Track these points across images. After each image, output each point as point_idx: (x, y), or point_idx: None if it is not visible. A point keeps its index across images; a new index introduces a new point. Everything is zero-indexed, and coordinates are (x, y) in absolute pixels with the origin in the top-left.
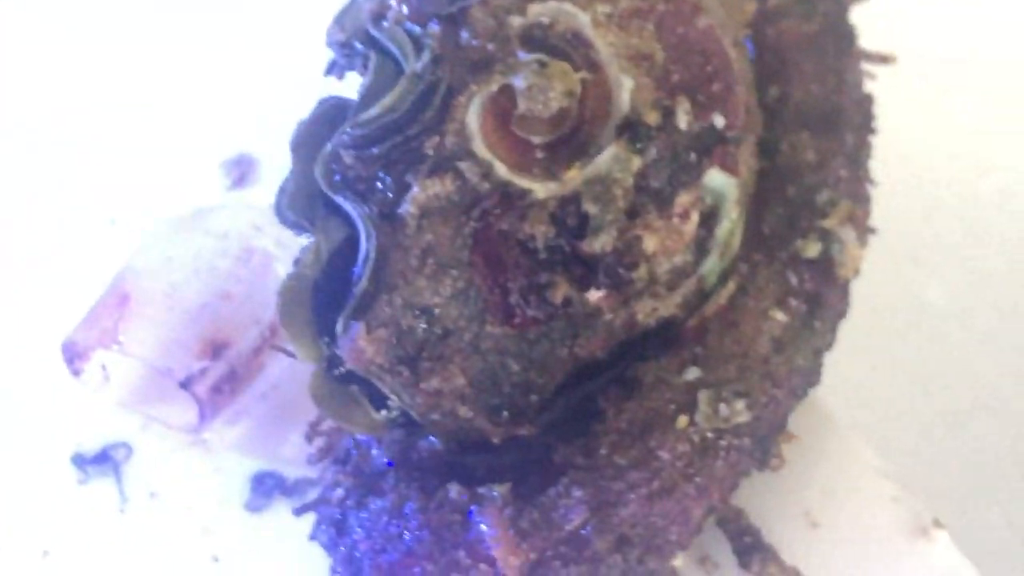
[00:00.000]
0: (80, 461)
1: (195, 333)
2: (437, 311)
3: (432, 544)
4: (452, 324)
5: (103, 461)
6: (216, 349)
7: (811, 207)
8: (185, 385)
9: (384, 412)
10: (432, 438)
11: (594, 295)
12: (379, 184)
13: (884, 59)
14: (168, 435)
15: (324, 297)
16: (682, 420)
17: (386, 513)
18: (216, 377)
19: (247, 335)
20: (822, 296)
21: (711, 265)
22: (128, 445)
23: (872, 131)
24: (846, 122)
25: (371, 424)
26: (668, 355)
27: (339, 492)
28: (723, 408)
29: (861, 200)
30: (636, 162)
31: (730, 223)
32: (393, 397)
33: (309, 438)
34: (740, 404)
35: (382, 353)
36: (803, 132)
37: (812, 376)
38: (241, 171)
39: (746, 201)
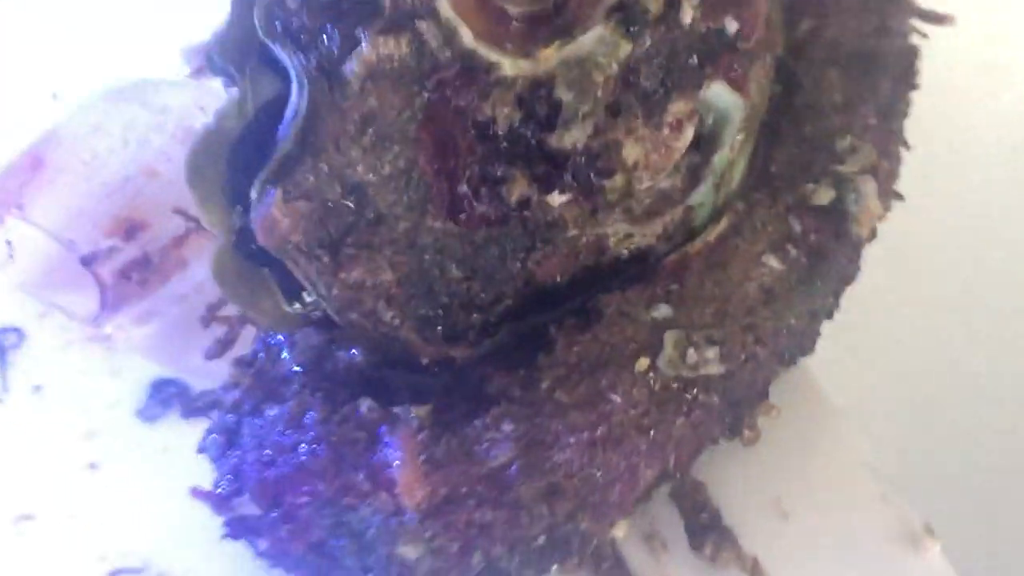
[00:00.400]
0: None
1: (109, 208)
2: (370, 191)
3: (328, 461)
4: (386, 209)
5: None
6: (130, 229)
7: (829, 151)
8: (87, 262)
9: (297, 305)
10: (353, 351)
11: (556, 199)
12: (324, 37)
13: (940, 19)
14: (69, 328)
15: (244, 161)
16: (642, 361)
17: (282, 422)
18: (125, 261)
19: (169, 221)
20: (828, 251)
21: (703, 196)
22: (20, 331)
23: (912, 86)
24: (882, 68)
25: (279, 316)
26: (637, 287)
27: (235, 395)
28: (691, 353)
29: (889, 157)
30: (625, 48)
31: (730, 151)
32: (308, 287)
33: (205, 322)
34: (711, 352)
35: (299, 229)
36: (831, 69)
37: (805, 341)
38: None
39: (753, 130)
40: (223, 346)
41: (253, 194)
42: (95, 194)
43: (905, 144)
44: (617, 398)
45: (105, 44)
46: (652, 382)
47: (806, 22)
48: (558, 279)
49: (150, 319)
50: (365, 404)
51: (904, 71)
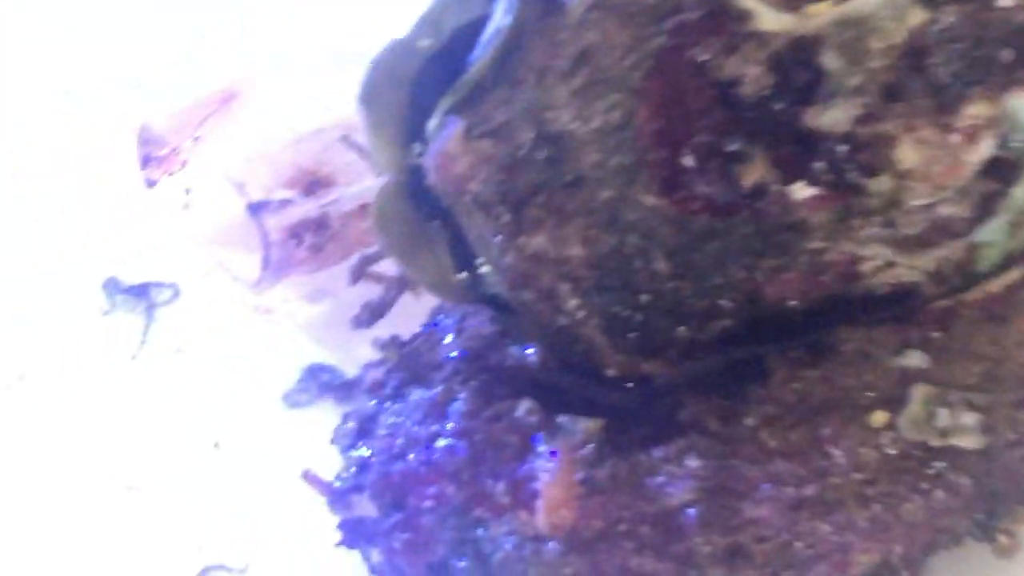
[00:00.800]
0: (113, 288)
1: (293, 157)
2: (573, 144)
3: (466, 462)
4: (589, 169)
5: (139, 295)
6: (311, 184)
7: None
8: (254, 211)
9: (466, 274)
10: (529, 348)
11: (801, 191)
12: None
13: None
14: (233, 293)
15: (434, 89)
16: (879, 416)
17: (423, 409)
18: (299, 219)
19: (359, 183)
20: None
21: (993, 234)
22: (176, 287)
23: None
24: None
25: (442, 280)
26: (888, 327)
27: (377, 374)
28: (944, 415)
29: None
30: (918, 16)
31: None
32: (481, 250)
33: (355, 275)
34: (970, 418)
35: (480, 175)
36: None
37: None
38: None
39: None
40: (374, 313)
41: (432, 123)
42: (280, 139)
43: None
44: (839, 454)
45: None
46: (887, 443)
47: None
48: (793, 303)
49: (321, 298)
50: (525, 405)
51: None
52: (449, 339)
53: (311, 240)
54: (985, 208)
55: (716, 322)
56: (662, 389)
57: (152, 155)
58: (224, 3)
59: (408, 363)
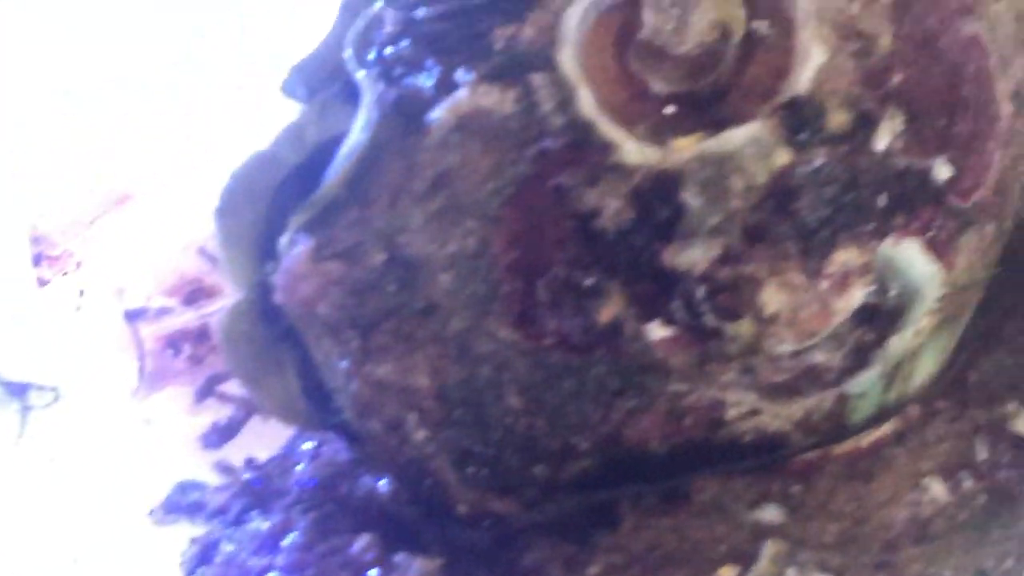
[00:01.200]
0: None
1: (176, 264)
2: (425, 270)
3: None
4: (441, 298)
5: (16, 394)
6: (193, 293)
7: None
8: (130, 318)
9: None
10: (382, 480)
11: (657, 331)
12: (423, 74)
13: None
14: (113, 402)
15: (292, 204)
16: (727, 571)
17: (259, 538)
18: (177, 328)
19: None
20: (1018, 495)
21: (866, 386)
22: (57, 391)
23: None
24: None
25: (288, 405)
26: (746, 477)
27: (220, 498)
28: (791, 575)
29: None
30: (782, 157)
31: (915, 336)
32: (327, 376)
33: (200, 396)
34: None
35: (328, 296)
36: None
37: None
38: None
39: (953, 318)
40: (223, 434)
41: (283, 241)
42: (166, 245)
43: None
44: None
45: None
46: None
47: None
48: (655, 447)
49: (202, 411)
50: (362, 540)
51: None
52: (302, 465)
53: (189, 351)
54: (859, 358)
55: (574, 463)
56: (512, 530)
57: (44, 254)
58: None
59: (253, 489)
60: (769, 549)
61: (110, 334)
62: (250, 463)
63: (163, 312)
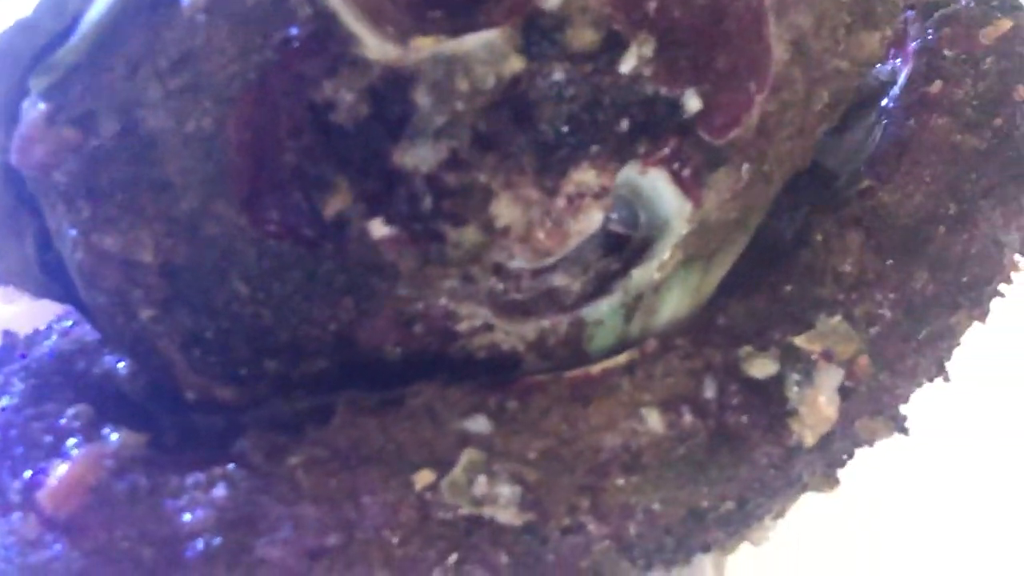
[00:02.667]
0: None
1: None
2: (159, 145)
3: None
4: (175, 175)
5: None
6: None
7: (801, 321)
8: None
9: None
10: (122, 361)
11: (379, 228)
12: None
13: None
14: None
15: None
16: (424, 475)
17: None
18: None
19: None
20: (743, 437)
21: (604, 314)
22: None
23: (975, 310)
24: (933, 264)
25: (22, 269)
26: (464, 387)
27: None
28: (481, 483)
29: (892, 370)
30: (514, 64)
31: (659, 270)
32: (56, 241)
33: None
34: (508, 491)
35: (63, 163)
36: (855, 232)
37: (670, 545)
38: None
39: (702, 257)
40: None
41: (25, 105)
42: None
43: (941, 373)
44: (371, 506)
45: None
46: (426, 505)
47: (866, 181)
48: (389, 353)
49: None
50: (74, 409)
51: (969, 284)
52: (53, 340)
53: None
54: (599, 285)
55: (308, 361)
56: (231, 417)
57: None
58: None
59: None
60: (466, 456)
61: None
62: (5, 334)
63: None
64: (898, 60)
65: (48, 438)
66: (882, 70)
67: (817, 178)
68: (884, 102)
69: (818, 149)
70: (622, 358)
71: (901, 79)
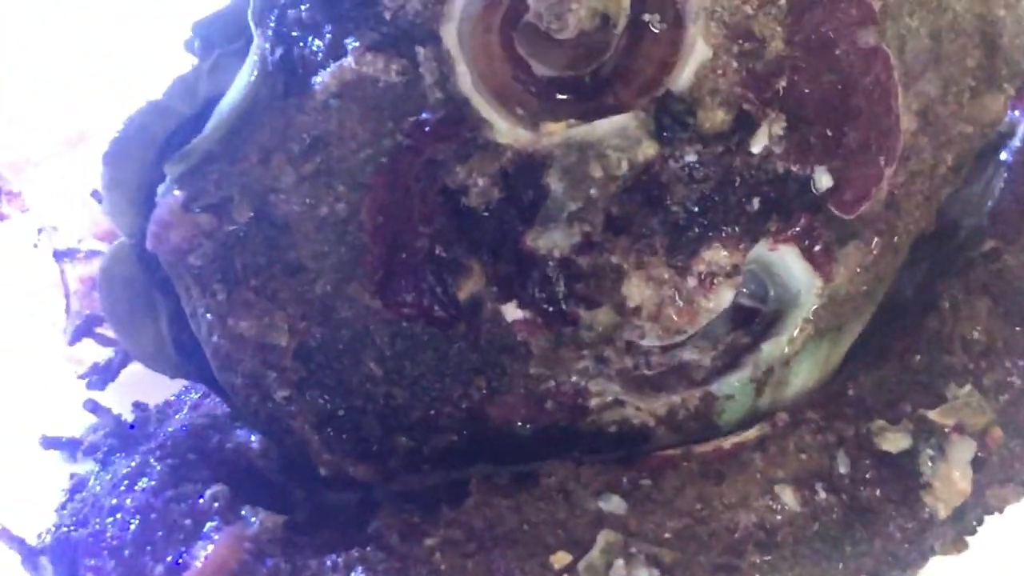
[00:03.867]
0: None
1: None
2: (295, 230)
3: (133, 540)
4: (308, 259)
5: None
6: None
7: (933, 392)
8: (58, 257)
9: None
10: (254, 436)
11: (512, 311)
12: (315, 37)
13: None
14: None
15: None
16: (561, 556)
17: (116, 479)
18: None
19: None
20: (877, 511)
21: (736, 388)
22: None
23: None
24: None
25: (157, 351)
26: (597, 466)
27: (94, 437)
28: (619, 567)
29: (1019, 433)
30: (648, 150)
31: (789, 344)
32: (192, 325)
33: (76, 336)
34: (646, 573)
35: (199, 248)
36: (983, 300)
37: None
38: None
39: (832, 330)
40: (103, 375)
41: (160, 190)
42: None
43: None
44: None
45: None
46: None
47: (991, 241)
48: (520, 429)
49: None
50: (212, 490)
51: None
52: (183, 414)
53: None
54: (729, 360)
55: (439, 436)
56: (366, 496)
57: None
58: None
59: (124, 431)
60: (603, 538)
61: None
62: (137, 406)
63: (93, 255)
64: (1016, 112)
65: (188, 521)
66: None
67: (938, 231)
68: (1003, 155)
69: (950, 206)
70: (753, 432)
71: (1021, 131)
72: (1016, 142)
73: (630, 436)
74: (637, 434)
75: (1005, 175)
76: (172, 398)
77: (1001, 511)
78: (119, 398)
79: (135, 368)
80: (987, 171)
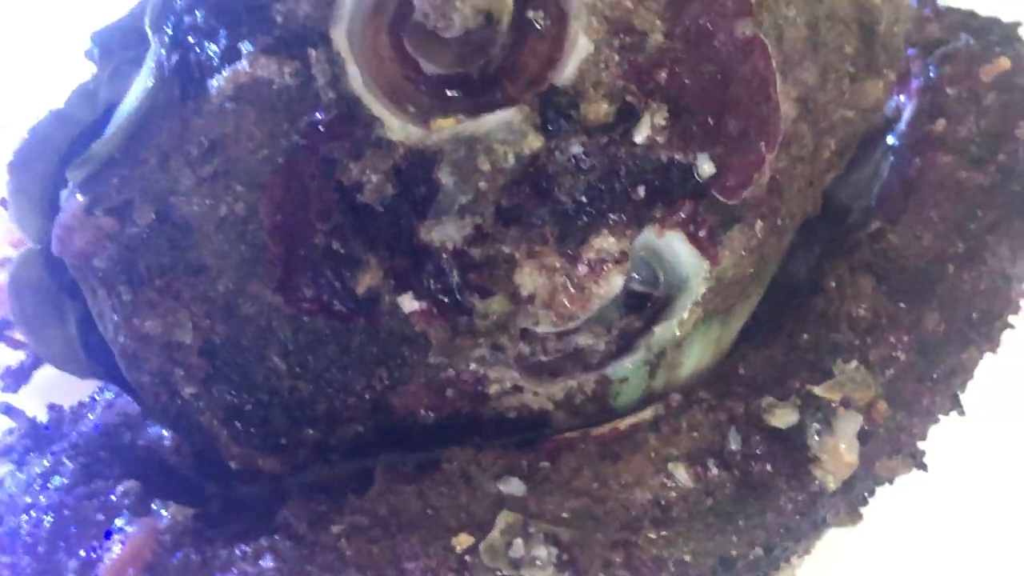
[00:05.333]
0: None
1: None
2: (194, 230)
3: (47, 536)
4: (210, 259)
5: None
6: None
7: (818, 368)
8: None
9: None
10: (165, 432)
11: (409, 303)
12: (210, 42)
13: None
14: None
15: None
16: (463, 538)
17: (30, 479)
18: None
19: None
20: (768, 487)
21: (629, 372)
22: None
23: (985, 344)
24: (944, 303)
25: (67, 353)
26: (496, 451)
27: (9, 439)
28: (518, 545)
29: (909, 408)
30: (532, 143)
31: (680, 327)
32: (99, 326)
33: None
34: (545, 552)
35: (103, 251)
36: (867, 278)
37: None
38: None
39: (723, 311)
40: (16, 378)
41: (63, 195)
42: None
43: (956, 407)
44: (415, 572)
45: None
46: (466, 568)
47: (876, 222)
48: (423, 418)
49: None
50: (123, 486)
51: (980, 320)
52: (95, 413)
53: None
54: (623, 344)
55: (345, 427)
56: (274, 486)
57: None
58: None
59: (39, 432)
60: (503, 519)
61: None
62: (51, 407)
63: (6, 262)
64: (902, 97)
65: (100, 516)
66: (887, 107)
67: (828, 215)
68: (890, 139)
69: (828, 185)
70: (648, 413)
71: (905, 116)
72: (902, 126)
73: (529, 421)
74: (536, 419)
75: (891, 159)
76: (86, 399)
77: (891, 482)
78: (35, 400)
79: (50, 371)
80: (875, 155)
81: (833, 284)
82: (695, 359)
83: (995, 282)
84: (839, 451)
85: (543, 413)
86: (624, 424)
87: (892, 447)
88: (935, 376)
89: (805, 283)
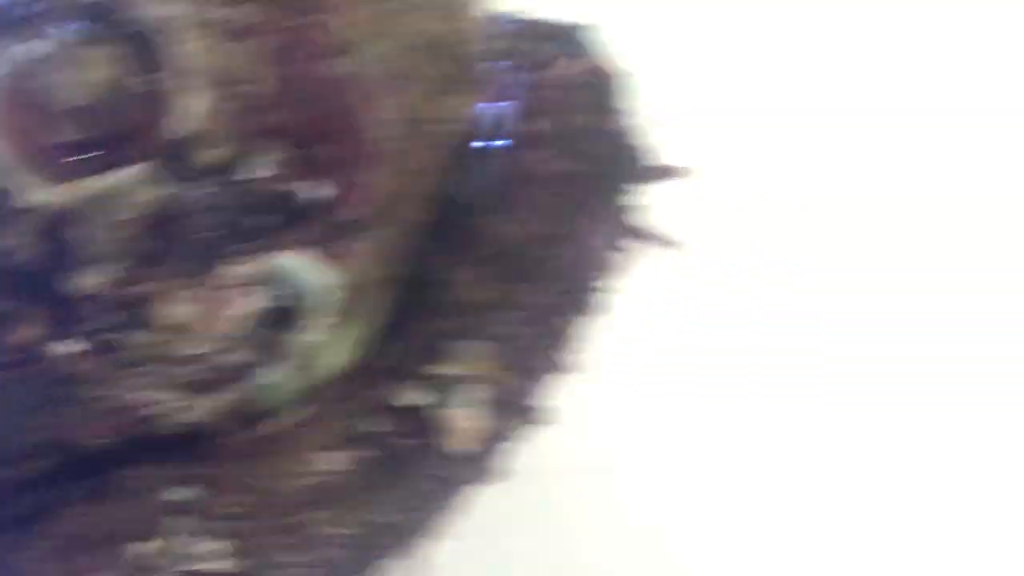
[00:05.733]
0: None
1: None
2: None
3: None
4: None
5: None
6: None
7: (441, 351)
8: None
9: None
10: None
11: (66, 347)
12: None
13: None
14: None
15: None
16: (135, 547)
17: None
18: None
19: None
20: (409, 460)
21: (281, 378)
22: None
23: (588, 313)
24: (544, 278)
25: None
26: (167, 464)
27: None
28: (185, 541)
29: (521, 373)
30: (150, 191)
31: (316, 331)
32: None
33: None
34: (220, 546)
35: None
36: (469, 266)
37: (364, 559)
38: None
39: (356, 313)
40: None
41: None
42: None
43: (567, 367)
44: None
45: None
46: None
47: (490, 216)
48: (93, 445)
49: None
50: None
51: (575, 289)
52: None
53: None
54: (263, 355)
55: (31, 463)
56: None
57: None
58: None
59: None
60: (170, 523)
61: None
62: None
63: None
64: (501, 104)
65: None
66: (488, 116)
67: (450, 215)
68: (499, 142)
69: (449, 192)
70: (303, 411)
71: (506, 120)
72: (505, 129)
73: (192, 434)
74: (198, 431)
75: (500, 158)
76: None
77: (515, 440)
78: None
79: None
80: (487, 157)
81: (457, 276)
82: (335, 359)
83: (582, 254)
84: (463, 419)
85: (209, 425)
86: (283, 424)
87: (510, 409)
88: (542, 343)
89: (435, 278)
